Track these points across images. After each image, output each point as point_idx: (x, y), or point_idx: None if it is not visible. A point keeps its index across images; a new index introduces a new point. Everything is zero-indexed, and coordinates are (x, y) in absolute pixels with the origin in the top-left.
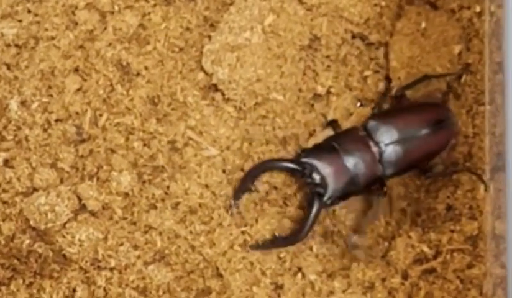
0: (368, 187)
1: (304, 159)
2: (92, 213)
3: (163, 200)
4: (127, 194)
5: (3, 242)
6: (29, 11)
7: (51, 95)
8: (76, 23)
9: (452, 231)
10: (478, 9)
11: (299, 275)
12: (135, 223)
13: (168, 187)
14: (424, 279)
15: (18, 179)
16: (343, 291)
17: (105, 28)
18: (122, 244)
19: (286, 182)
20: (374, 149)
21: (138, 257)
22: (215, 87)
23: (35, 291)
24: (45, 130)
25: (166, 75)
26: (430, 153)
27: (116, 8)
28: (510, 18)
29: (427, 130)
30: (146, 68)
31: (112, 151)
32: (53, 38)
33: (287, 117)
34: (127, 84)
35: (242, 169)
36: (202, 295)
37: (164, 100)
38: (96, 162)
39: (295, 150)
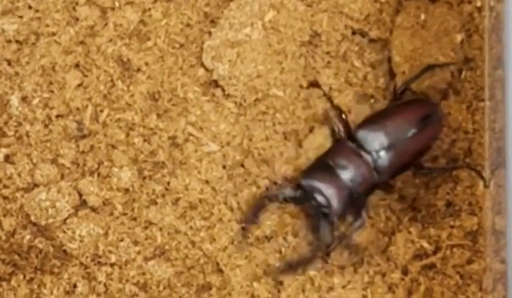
0: (368, 195)
1: (303, 183)
2: (93, 209)
3: (163, 195)
4: (127, 190)
5: (4, 237)
6: (30, 7)
7: (52, 91)
8: (77, 19)
9: (452, 226)
10: (478, 3)
11: (299, 271)
12: (135, 219)
13: (168, 183)
14: (424, 275)
15: (19, 175)
16: (343, 287)
17: (106, 24)
18: (122, 240)
19: (286, 178)
20: (368, 158)
21: (139, 252)
22: (215, 83)
23: (35, 286)
24: (45, 126)
25: (167, 71)
26: (422, 149)
27: (117, 4)
28: (510, 13)
29: (415, 129)
30: (146, 64)
31: (113, 146)
32: (53, 34)
33: (287, 112)
34: (127, 80)
35: (242, 165)
36: (202, 291)
37: (164, 96)
38: (97, 158)
39: (295, 146)
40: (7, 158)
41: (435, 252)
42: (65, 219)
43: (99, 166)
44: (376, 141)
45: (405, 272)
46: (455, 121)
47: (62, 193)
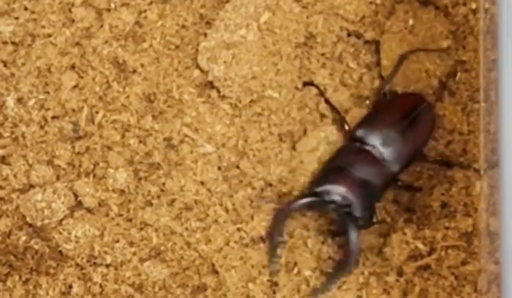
0: (386, 189)
1: (318, 189)
2: (89, 210)
3: (158, 197)
4: (123, 191)
5: None
6: (26, 8)
7: (48, 92)
8: (73, 21)
9: (447, 228)
10: (473, 5)
11: (295, 271)
12: (131, 220)
13: (163, 184)
14: (419, 276)
15: (15, 176)
16: (338, 287)
17: (101, 26)
18: (118, 241)
19: (282, 179)
20: (374, 152)
21: (134, 253)
22: (211, 85)
23: (31, 287)
24: (41, 127)
25: (162, 72)
26: (422, 137)
27: (112, 5)
28: (504, 15)
29: (409, 118)
30: (142, 65)
31: (109, 148)
32: (49, 36)
33: (282, 114)
34: (123, 82)
35: (238, 166)
36: (197, 292)
37: (160, 97)
38: (92, 159)
39: (290, 147)
40: (3, 159)
41: (430, 254)
42: (61, 220)
43: (95, 167)
44: (376, 135)
45: (400, 273)
46: (451, 122)
47: (58, 194)
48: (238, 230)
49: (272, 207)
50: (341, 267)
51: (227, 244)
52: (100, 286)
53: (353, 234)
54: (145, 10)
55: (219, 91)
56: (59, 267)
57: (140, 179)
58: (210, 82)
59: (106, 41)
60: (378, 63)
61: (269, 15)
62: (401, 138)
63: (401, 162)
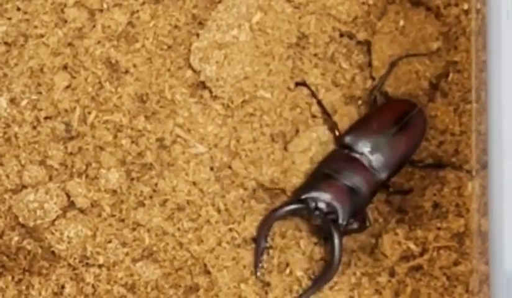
0: (374, 196)
1: (304, 196)
2: (81, 211)
3: (151, 197)
4: (115, 191)
5: None
6: (18, 9)
7: (40, 93)
8: (65, 21)
9: (439, 228)
10: (465, 6)
11: (287, 271)
12: (123, 220)
13: (156, 185)
14: (411, 276)
15: (7, 176)
16: (330, 288)
17: (94, 26)
18: (110, 241)
19: (274, 180)
20: (362, 159)
21: (127, 254)
22: (203, 85)
23: (23, 288)
24: (34, 128)
25: (155, 73)
26: (411, 145)
27: (105, 6)
28: (493, 16)
29: (399, 125)
30: (134, 66)
31: (101, 148)
32: (42, 36)
33: (274, 114)
34: (115, 82)
35: (230, 167)
36: (190, 292)
37: (152, 97)
38: (85, 159)
39: (282, 148)
40: None
41: (422, 254)
42: (53, 220)
43: (87, 168)
44: (366, 143)
45: (392, 273)
46: (443, 123)
47: (50, 194)
48: (230, 230)
49: (264, 208)
50: (324, 273)
51: (219, 244)
52: (93, 286)
53: (336, 242)
54: (138, 11)
55: (211, 91)
56: (51, 267)
57: (132, 179)
58: (203, 83)
59: (99, 42)
60: (370, 64)
61: (262, 15)
62: (389, 145)
63: (389, 170)
